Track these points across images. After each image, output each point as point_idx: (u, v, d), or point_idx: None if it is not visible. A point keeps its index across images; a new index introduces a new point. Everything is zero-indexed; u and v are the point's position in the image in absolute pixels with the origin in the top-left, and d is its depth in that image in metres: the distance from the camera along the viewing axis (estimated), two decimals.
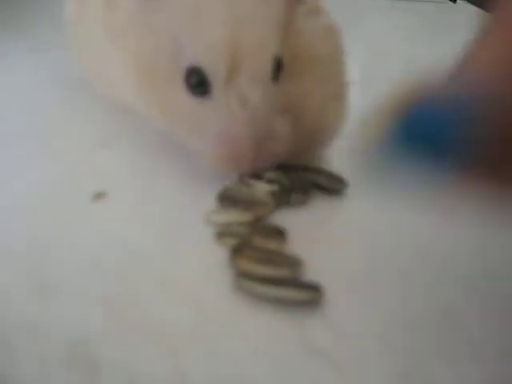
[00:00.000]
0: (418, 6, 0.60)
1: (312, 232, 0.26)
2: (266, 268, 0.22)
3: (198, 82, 0.25)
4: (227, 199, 0.26)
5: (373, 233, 0.26)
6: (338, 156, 0.30)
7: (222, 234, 0.24)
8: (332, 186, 0.28)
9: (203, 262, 0.23)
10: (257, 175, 0.26)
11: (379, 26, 0.51)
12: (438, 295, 0.23)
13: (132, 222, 0.25)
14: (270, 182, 0.26)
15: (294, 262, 0.23)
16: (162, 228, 0.25)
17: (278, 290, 0.22)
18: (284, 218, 0.26)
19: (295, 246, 0.24)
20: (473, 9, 0.51)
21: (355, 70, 0.30)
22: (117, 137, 0.31)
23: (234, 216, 0.25)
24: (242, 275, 0.22)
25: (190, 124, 0.26)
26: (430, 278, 0.24)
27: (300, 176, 0.27)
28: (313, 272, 0.23)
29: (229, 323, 0.21)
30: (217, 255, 0.23)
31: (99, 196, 0.27)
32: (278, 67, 0.26)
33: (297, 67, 0.26)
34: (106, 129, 0.32)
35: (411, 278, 0.24)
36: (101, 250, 0.24)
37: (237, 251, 0.23)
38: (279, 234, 0.24)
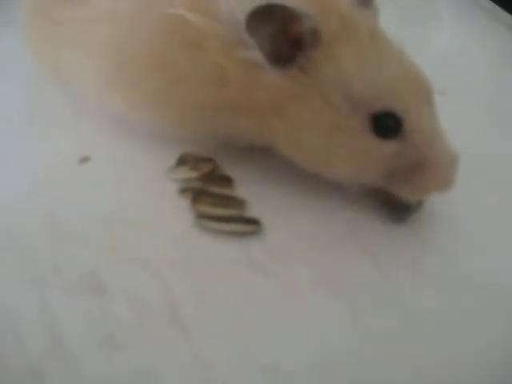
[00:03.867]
0: None
1: (255, 177, 0.32)
2: (219, 209, 0.30)
3: (388, 125, 0.26)
4: (181, 160, 0.32)
5: (301, 180, 0.32)
6: None
7: (183, 189, 0.31)
8: None
9: (170, 208, 0.31)
10: None
11: None
12: (346, 218, 0.30)
13: (113, 180, 0.32)
14: None
15: (240, 203, 0.30)
16: (136, 184, 0.32)
17: (229, 225, 0.29)
18: (233, 168, 0.32)
19: (242, 190, 0.31)
20: None
21: None
22: (91, 109, 0.36)
23: (185, 173, 0.32)
24: (201, 216, 0.30)
25: (380, 167, 0.27)
26: (340, 203, 0.31)
27: None
28: (256, 209, 0.30)
29: (194, 251, 0.29)
30: (180, 202, 0.31)
31: (85, 159, 0.33)
32: None
33: None
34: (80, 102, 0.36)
35: (330, 210, 0.31)
36: (94, 202, 0.31)
37: (195, 198, 0.30)
38: (229, 181, 0.32)
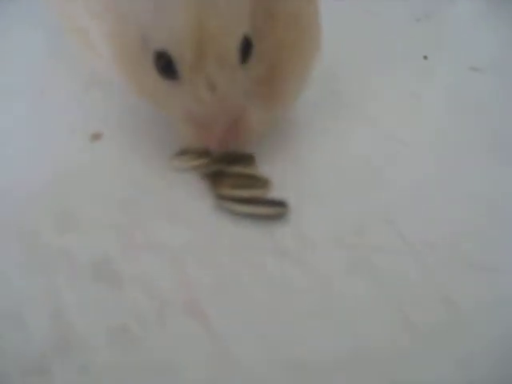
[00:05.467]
0: None
1: (280, 155, 0.30)
2: (241, 190, 0.27)
3: (166, 66, 0.25)
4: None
5: (330, 158, 0.31)
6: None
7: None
8: None
9: (188, 189, 0.28)
10: None
11: None
12: (379, 202, 0.28)
13: (127, 159, 0.30)
14: None
15: (263, 183, 0.28)
16: (152, 163, 0.30)
17: (252, 207, 0.27)
18: (255, 146, 0.30)
19: (265, 168, 0.29)
20: None
21: None
22: (104, 85, 0.34)
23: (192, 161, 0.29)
24: (222, 198, 0.27)
25: (162, 103, 0.28)
26: (372, 186, 0.29)
27: None
28: (281, 190, 0.28)
29: (214, 236, 0.26)
30: (199, 183, 0.29)
31: (97, 136, 0.31)
32: (248, 48, 0.26)
33: (268, 49, 0.27)
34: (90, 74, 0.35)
35: (360, 190, 0.29)
36: (107, 184, 0.29)
37: (215, 179, 0.28)
38: (251, 160, 0.29)
